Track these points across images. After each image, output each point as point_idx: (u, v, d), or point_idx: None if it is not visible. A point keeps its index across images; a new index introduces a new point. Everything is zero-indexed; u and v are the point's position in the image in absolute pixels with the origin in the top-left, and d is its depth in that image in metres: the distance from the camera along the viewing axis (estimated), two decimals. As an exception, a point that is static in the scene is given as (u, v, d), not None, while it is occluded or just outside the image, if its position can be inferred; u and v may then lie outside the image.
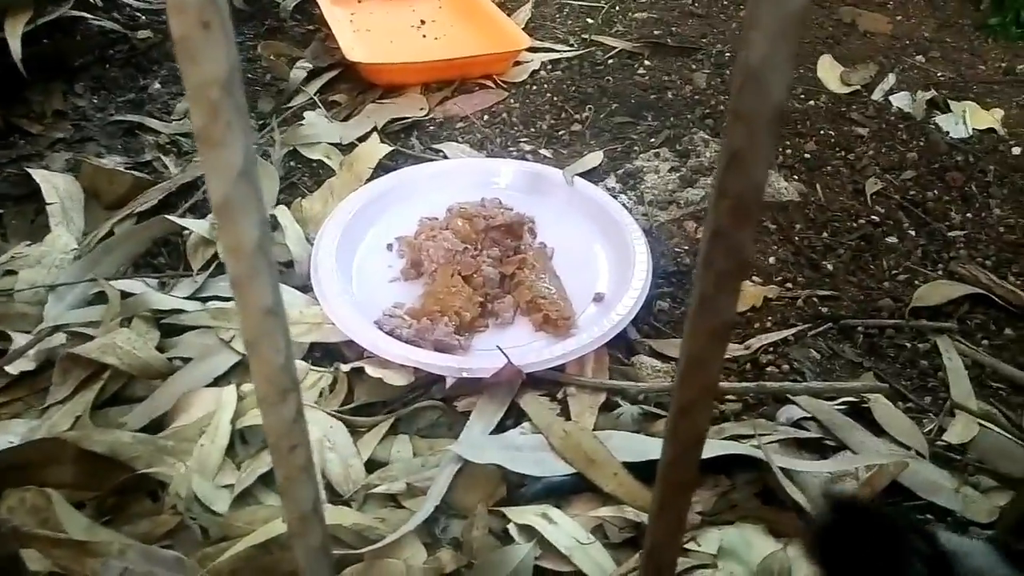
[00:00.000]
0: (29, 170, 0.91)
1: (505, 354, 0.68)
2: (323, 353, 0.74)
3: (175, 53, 0.21)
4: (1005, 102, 1.21)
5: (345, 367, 0.70)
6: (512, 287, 0.79)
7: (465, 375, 0.68)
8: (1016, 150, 1.10)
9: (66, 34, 1.16)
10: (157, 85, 1.13)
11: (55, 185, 0.90)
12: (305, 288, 0.79)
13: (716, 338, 0.37)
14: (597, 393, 0.69)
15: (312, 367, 0.72)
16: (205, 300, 0.78)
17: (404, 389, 0.69)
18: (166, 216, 0.85)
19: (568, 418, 0.66)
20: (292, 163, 0.98)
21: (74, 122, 1.04)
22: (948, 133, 1.11)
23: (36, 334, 0.72)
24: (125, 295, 0.77)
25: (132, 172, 0.94)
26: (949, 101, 1.17)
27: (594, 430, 0.64)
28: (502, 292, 0.78)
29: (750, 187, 0.33)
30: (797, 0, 0.27)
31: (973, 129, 1.12)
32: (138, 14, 1.28)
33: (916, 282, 0.87)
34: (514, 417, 0.67)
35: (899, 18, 1.43)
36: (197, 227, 0.85)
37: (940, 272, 0.88)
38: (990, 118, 1.15)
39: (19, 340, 0.72)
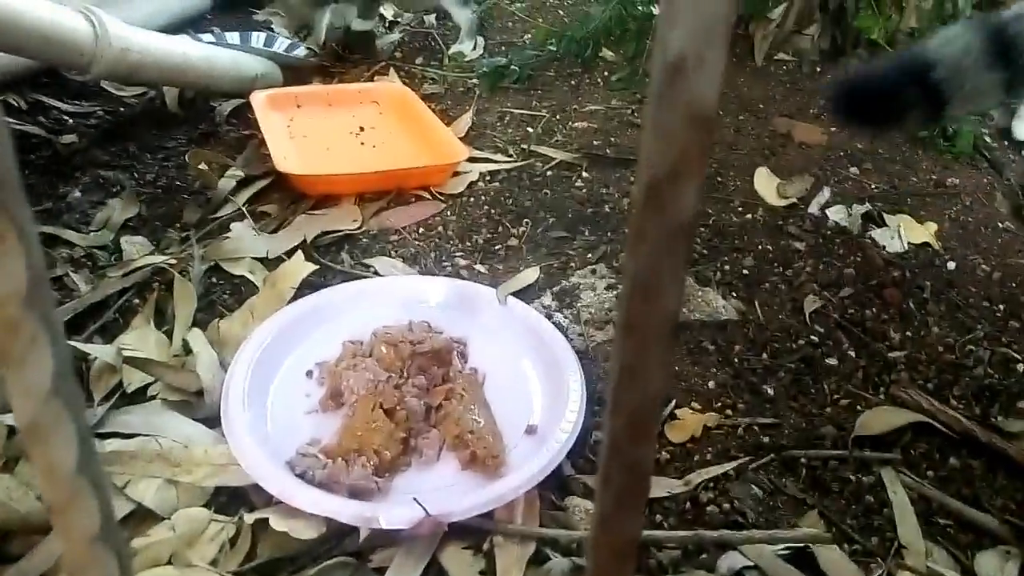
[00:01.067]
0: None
1: (423, 507, 0.63)
2: (229, 497, 0.68)
3: None
4: (938, 215, 1.22)
5: (249, 518, 0.64)
6: (438, 420, 0.74)
7: (381, 527, 0.63)
8: (951, 264, 1.10)
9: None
10: (77, 193, 1.08)
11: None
12: (215, 420, 0.73)
13: (621, 557, 0.33)
14: (526, 543, 0.64)
15: (215, 516, 0.66)
16: (104, 437, 0.72)
17: (314, 542, 0.63)
18: (68, 341, 0.79)
19: (493, 575, 0.60)
20: (213, 279, 0.94)
21: (-18, 233, 0.98)
22: (884, 247, 1.12)
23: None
24: (13, 431, 0.70)
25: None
26: (884, 214, 1.18)
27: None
28: (427, 426, 0.74)
29: (645, 402, 0.29)
30: (685, 214, 0.25)
31: (908, 243, 1.13)
32: (65, 117, 1.25)
33: (858, 407, 0.84)
34: (434, 573, 0.62)
35: (833, 129, 1.46)
36: (102, 353, 0.79)
37: (882, 396, 0.86)
38: (924, 232, 1.16)
39: None
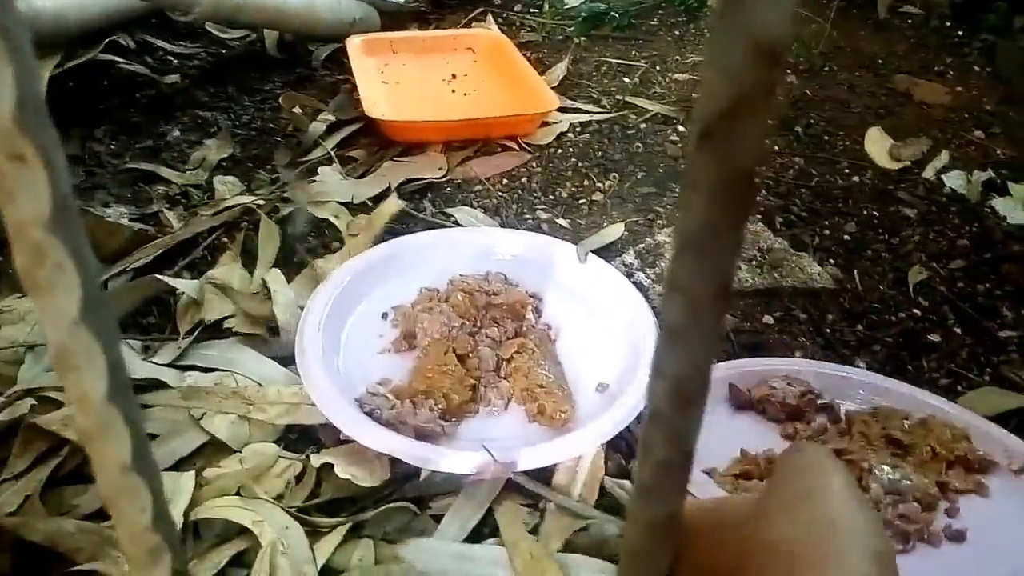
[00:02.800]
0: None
1: (491, 453, 0.62)
2: (300, 435, 0.69)
3: None
4: (1072, 186, 1.11)
5: (316, 459, 0.65)
6: (509, 372, 0.73)
7: (443, 470, 0.62)
8: (1081, 241, 1.01)
9: (94, 78, 1.15)
10: (176, 132, 1.11)
11: (55, 234, 0.88)
12: (289, 360, 0.74)
13: (658, 533, 0.30)
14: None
15: (283, 453, 0.67)
16: (185, 369, 0.74)
17: (377, 487, 0.63)
18: (157, 276, 0.82)
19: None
20: (295, 219, 0.95)
21: (88, 168, 1.02)
22: (1005, 218, 1.03)
23: (6, 397, 0.69)
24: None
25: (134, 224, 0.92)
26: (1008, 183, 1.09)
27: (568, 550, 0.57)
28: (497, 376, 0.73)
29: (691, 368, 0.26)
30: (745, 161, 0.22)
31: (1033, 215, 1.03)
32: (170, 58, 1.28)
33: (959, 387, 0.78)
34: (489, 526, 0.61)
35: (959, 89, 1.34)
36: (188, 288, 0.81)
37: (988, 378, 0.80)
38: (1054, 204, 1.06)
39: (-10, 402, 0.68)
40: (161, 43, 1.30)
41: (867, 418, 0.72)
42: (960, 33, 1.49)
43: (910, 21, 1.53)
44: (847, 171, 1.10)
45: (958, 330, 0.85)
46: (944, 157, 1.13)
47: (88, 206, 0.94)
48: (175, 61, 1.27)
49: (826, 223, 0.99)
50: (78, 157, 1.03)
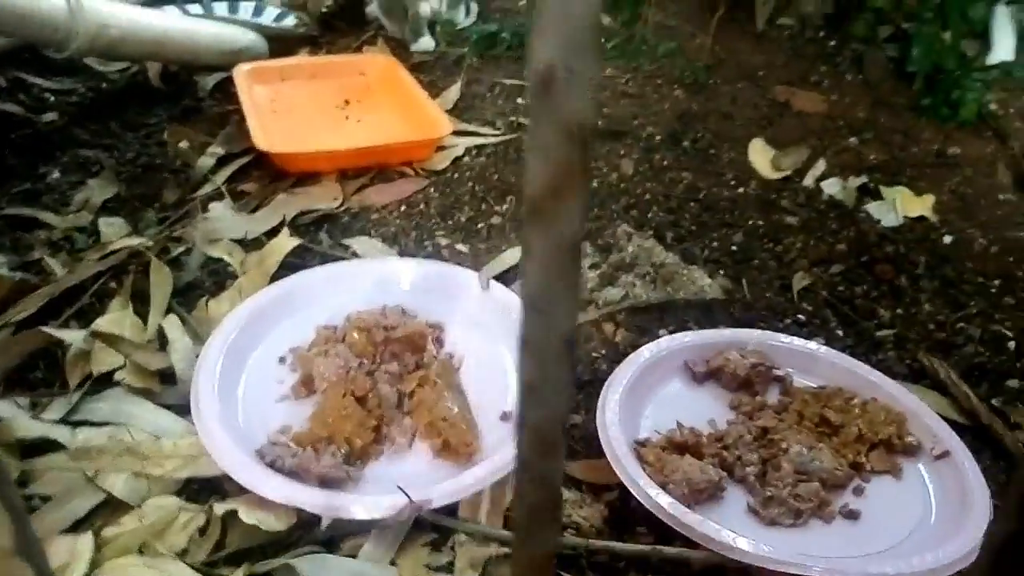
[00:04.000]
0: (-102, 273, 0.84)
1: (407, 494, 0.62)
2: (200, 485, 0.68)
3: None
4: (937, 186, 1.19)
5: (219, 507, 0.64)
6: (411, 407, 0.73)
7: (356, 517, 0.62)
8: (947, 238, 1.08)
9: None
10: (56, 174, 1.07)
11: (-73, 289, 0.83)
12: (187, 409, 0.72)
13: (537, 568, 0.32)
14: (488, 542, 0.63)
15: (184, 505, 0.65)
16: (76, 425, 0.72)
17: (284, 532, 0.63)
18: (42, 328, 0.78)
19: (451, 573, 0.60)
20: (186, 260, 0.93)
21: (-40, 216, 0.97)
22: (879, 221, 1.09)
23: None
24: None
25: (15, 274, 0.88)
26: (881, 187, 1.15)
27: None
28: (399, 413, 0.73)
29: (549, 417, 0.28)
30: (570, 231, 0.23)
31: (904, 217, 1.10)
32: (47, 95, 1.23)
33: (843, 389, 0.83)
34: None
35: (834, 97, 1.42)
36: (75, 339, 0.78)
37: (868, 377, 0.85)
38: (922, 205, 1.13)
39: None
40: (36, 79, 1.24)
41: (809, 397, 0.78)
42: (833, 43, 1.57)
43: (787, 33, 1.60)
44: (733, 183, 1.15)
45: (840, 332, 0.90)
46: (822, 165, 1.19)
47: (-38, 258, 0.89)
48: (52, 98, 1.22)
49: (714, 235, 1.03)
50: (-52, 205, 0.98)
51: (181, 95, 1.28)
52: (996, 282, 1.01)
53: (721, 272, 0.96)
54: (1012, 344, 0.91)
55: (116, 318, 0.83)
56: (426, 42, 1.48)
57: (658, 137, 1.24)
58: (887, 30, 1.54)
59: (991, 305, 0.97)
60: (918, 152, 1.29)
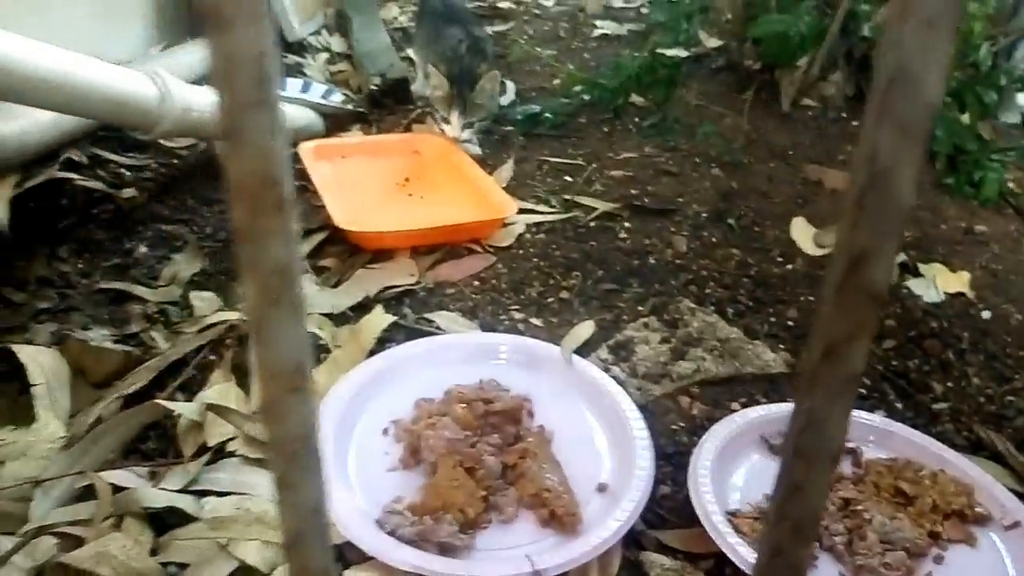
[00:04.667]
0: (13, 347, 0.89)
1: (532, 563, 0.66)
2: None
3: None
4: (969, 263, 1.26)
5: (347, 574, 0.67)
6: (514, 478, 0.77)
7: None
8: (985, 314, 1.14)
9: (52, 196, 1.15)
10: (143, 248, 1.12)
11: (40, 363, 0.88)
12: (300, 479, 0.76)
13: None
14: (606, 603, 0.67)
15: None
16: (200, 495, 0.75)
17: (408, 599, 0.66)
18: (156, 401, 0.83)
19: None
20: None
21: (59, 289, 1.02)
22: (921, 297, 1.15)
23: (21, 536, 0.69)
24: (115, 488, 0.74)
25: (119, 347, 0.92)
26: (918, 264, 1.22)
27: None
28: (504, 484, 0.77)
29: (808, 513, 0.33)
30: (857, 367, 0.28)
31: (944, 293, 1.17)
32: (123, 171, 1.29)
33: (909, 460, 0.88)
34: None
35: (860, 175, 1.50)
36: (187, 411, 0.82)
37: (930, 448, 0.90)
38: (958, 281, 1.20)
39: (3, 543, 0.68)
40: (112, 156, 1.30)
41: (882, 468, 0.83)
42: (855, 123, 1.66)
43: (810, 113, 1.70)
44: (780, 259, 1.21)
45: (899, 405, 0.96)
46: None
47: (68, 330, 0.93)
48: (128, 174, 1.28)
49: (771, 310, 1.09)
50: (47, 279, 1.03)
51: (250, 171, 1.34)
52: (1035, 356, 1.07)
53: (782, 347, 1.02)
54: (1058, 417, 0.97)
55: (221, 390, 0.87)
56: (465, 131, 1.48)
57: (704, 214, 1.31)
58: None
59: (1033, 379, 1.03)
60: (947, 229, 1.36)
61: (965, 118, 1.55)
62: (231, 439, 0.82)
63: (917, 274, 1.21)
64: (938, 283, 1.17)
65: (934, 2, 0.25)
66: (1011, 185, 1.52)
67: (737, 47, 1.76)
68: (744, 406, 0.92)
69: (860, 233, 0.27)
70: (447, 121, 1.42)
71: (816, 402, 0.30)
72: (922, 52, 0.26)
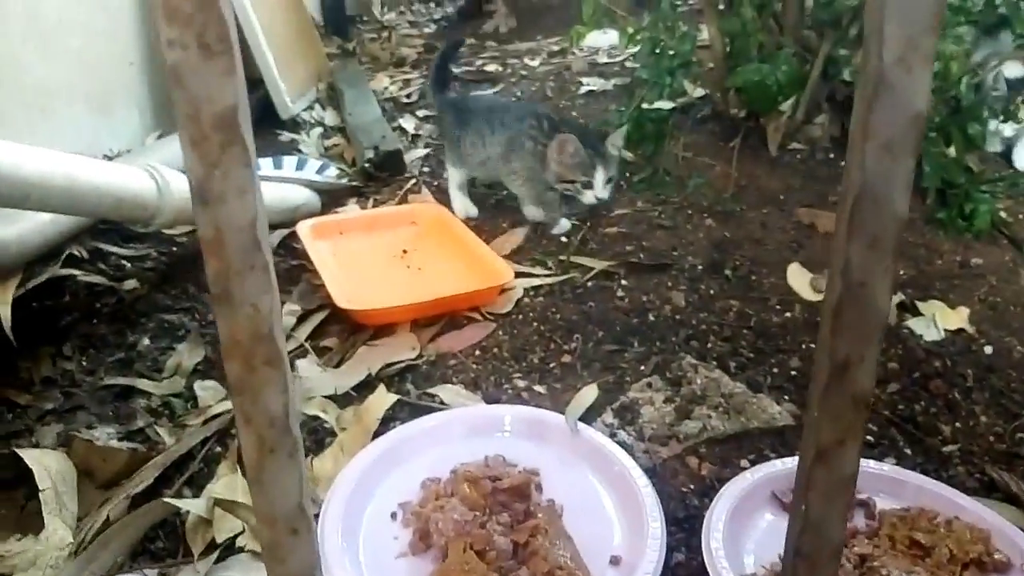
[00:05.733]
0: (19, 451, 0.89)
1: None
2: (336, 649, 0.71)
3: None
4: (967, 297, 1.27)
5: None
6: (526, 557, 0.77)
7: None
8: (988, 349, 1.14)
9: (55, 293, 1.17)
10: (146, 341, 1.13)
11: (47, 467, 0.88)
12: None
13: None
14: None
15: (326, 671, 0.68)
16: (209, 593, 0.75)
17: None
18: (163, 500, 0.83)
19: None
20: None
21: (64, 389, 1.03)
22: (922, 337, 1.15)
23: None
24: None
25: (125, 445, 0.92)
26: (916, 302, 1.23)
27: None
28: (516, 564, 0.76)
29: None
30: (849, 469, 0.29)
31: (944, 330, 1.17)
32: (124, 262, 1.31)
33: (923, 508, 0.87)
34: None
35: (853, 215, 1.51)
36: (195, 507, 0.82)
37: (944, 494, 0.89)
38: (958, 317, 1.20)
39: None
40: (113, 248, 1.32)
41: (896, 520, 0.81)
42: (843, 164, 1.68)
43: (798, 156, 1.72)
44: (778, 307, 1.22)
45: (908, 451, 0.95)
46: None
47: (74, 430, 0.94)
48: (129, 265, 1.30)
49: (773, 361, 1.09)
50: (51, 379, 1.04)
51: (248, 254, 1.36)
52: (1042, 390, 1.06)
53: (786, 398, 1.02)
54: (1071, 452, 0.96)
55: (228, 483, 0.87)
56: (565, 224, 1.45)
57: (700, 267, 1.32)
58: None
59: (1042, 413, 1.02)
60: (942, 264, 1.37)
61: (951, 151, 1.57)
62: (239, 534, 0.81)
63: (916, 313, 1.21)
64: (938, 321, 1.18)
65: (895, 128, 0.26)
66: (1003, 215, 1.53)
67: (721, 96, 1.79)
68: (753, 462, 0.91)
69: (840, 342, 0.28)
70: (589, 186, 1.39)
71: (813, 504, 0.31)
72: (885, 173, 0.27)
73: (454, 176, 1.57)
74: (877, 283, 0.26)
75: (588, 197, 1.40)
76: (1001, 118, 1.57)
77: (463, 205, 1.54)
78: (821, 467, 0.28)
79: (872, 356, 0.26)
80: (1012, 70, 1.59)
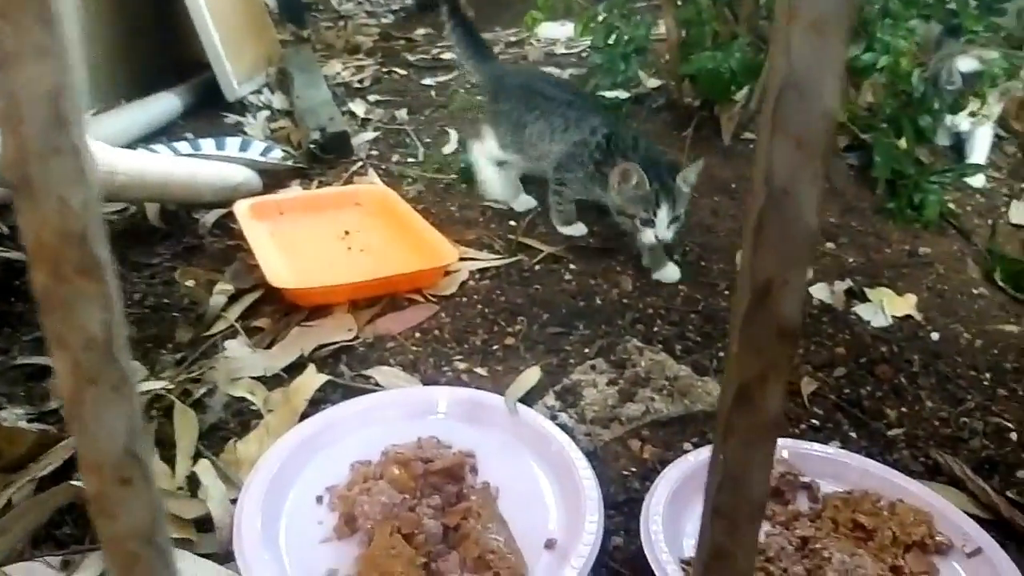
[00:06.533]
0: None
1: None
2: (250, 638, 0.66)
3: None
4: (915, 285, 1.26)
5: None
6: (457, 541, 0.73)
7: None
8: (935, 335, 1.13)
9: (-31, 270, 1.10)
10: (66, 319, 1.06)
11: (-54, 449, 0.82)
12: (227, 556, 0.71)
13: None
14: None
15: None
16: (113, 583, 0.70)
17: None
18: (71, 483, 0.77)
19: None
20: (208, 401, 0.92)
21: (-28, 369, 0.96)
22: (869, 323, 1.14)
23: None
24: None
25: (34, 426, 0.87)
26: (865, 289, 1.22)
27: None
28: (446, 548, 0.73)
29: None
30: (774, 411, 0.26)
31: (892, 316, 1.16)
32: (48, 240, 1.24)
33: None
34: None
35: (804, 205, 1.50)
36: (106, 491, 0.77)
37: (889, 478, 0.87)
38: (906, 304, 1.19)
39: None
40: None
41: (839, 503, 0.80)
42: (795, 154, 1.67)
43: (751, 146, 1.70)
44: (727, 292, 1.20)
45: (853, 434, 0.93)
46: (808, 271, 1.25)
47: (-21, 412, 0.88)
48: (53, 242, 1.23)
49: (720, 345, 1.07)
50: (-41, 358, 0.97)
51: (182, 233, 1.31)
52: (987, 375, 1.06)
53: (732, 382, 0.99)
54: (1014, 435, 0.95)
55: (144, 466, 0.82)
56: (671, 270, 1.23)
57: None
58: (844, 140, 1.65)
59: (987, 398, 1.01)
60: (891, 253, 1.37)
61: (902, 143, 1.57)
62: (154, 518, 0.76)
63: (864, 299, 1.20)
64: (885, 307, 1.17)
65: (822, 3, 0.23)
66: (952, 206, 1.53)
67: (676, 85, 1.77)
68: (696, 445, 0.89)
69: (763, 261, 0.24)
70: (649, 224, 1.18)
71: (732, 454, 0.27)
72: (814, 57, 0.23)
73: (493, 153, 1.42)
74: (803, 191, 0.22)
75: (647, 236, 1.18)
76: (951, 113, 1.57)
77: (515, 194, 1.43)
78: (740, 409, 0.24)
79: (799, 279, 0.23)
80: (965, 64, 1.59)
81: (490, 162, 1.44)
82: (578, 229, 1.35)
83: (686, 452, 0.87)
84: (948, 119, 1.56)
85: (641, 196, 1.17)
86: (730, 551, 0.28)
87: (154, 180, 1.20)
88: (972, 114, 1.56)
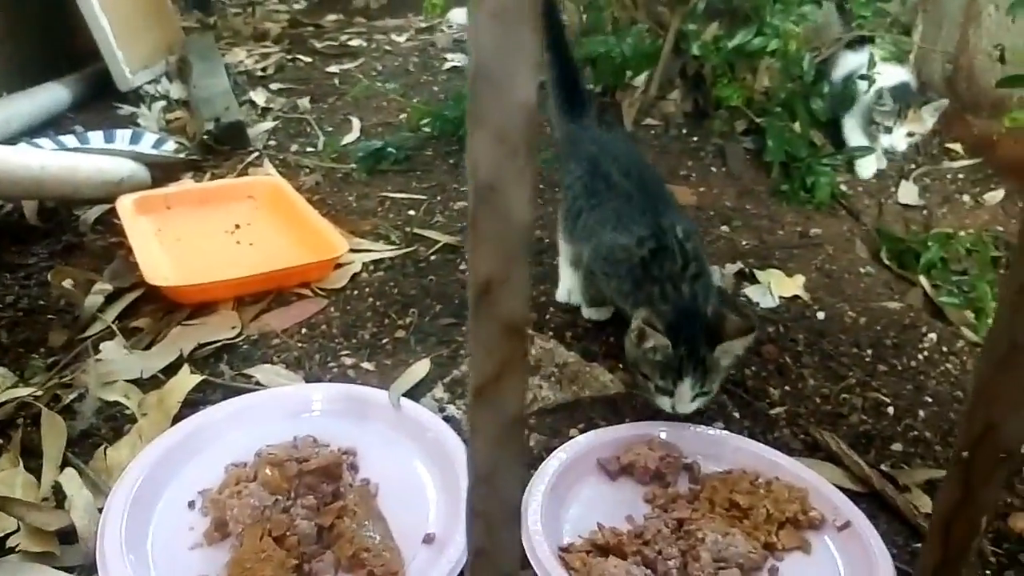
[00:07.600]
0: None
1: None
2: (110, 654, 0.64)
3: None
4: (805, 266, 1.29)
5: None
6: (332, 540, 0.72)
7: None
8: (821, 314, 1.16)
9: None
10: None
11: None
12: (93, 568, 0.68)
13: None
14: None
15: None
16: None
17: None
18: (-82, 500, 0.73)
19: None
20: (79, 407, 0.89)
21: None
22: (758, 304, 1.17)
23: None
24: None
25: None
26: (755, 271, 1.24)
27: None
28: (320, 548, 0.71)
29: None
30: (513, 410, 0.25)
31: (780, 297, 1.19)
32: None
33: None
34: None
35: (702, 189, 1.53)
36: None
37: (768, 456, 0.89)
38: (793, 284, 1.22)
39: None
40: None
41: (717, 483, 0.81)
42: (695, 139, 1.69)
43: (652, 132, 1.72)
44: (622, 278, 1.20)
45: (736, 414, 0.95)
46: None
47: None
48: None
49: (609, 331, 1.07)
50: None
51: (61, 232, 1.25)
52: (869, 351, 1.09)
53: (621, 367, 1.00)
54: (891, 409, 0.98)
55: (5, 477, 0.79)
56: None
57: (546, 240, 1.29)
58: (742, 124, 1.68)
59: (867, 374, 1.05)
60: (784, 235, 1.40)
61: (796, 127, 1.61)
62: (13, 532, 0.73)
63: (755, 281, 1.22)
64: (773, 289, 1.19)
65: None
66: (843, 187, 1.58)
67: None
68: (583, 431, 0.89)
69: (481, 260, 0.23)
70: (667, 393, 0.87)
71: (478, 455, 0.27)
72: (501, 48, 0.22)
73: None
74: (510, 187, 0.22)
75: (662, 402, 0.88)
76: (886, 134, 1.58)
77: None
78: (482, 408, 0.23)
79: (520, 276, 0.22)
80: (889, 78, 1.60)
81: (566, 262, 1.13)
82: (603, 314, 1.09)
83: (572, 438, 0.87)
84: (886, 140, 1.57)
85: (659, 363, 0.87)
86: (489, 551, 0.27)
87: (27, 174, 1.14)
88: (910, 134, 1.57)
